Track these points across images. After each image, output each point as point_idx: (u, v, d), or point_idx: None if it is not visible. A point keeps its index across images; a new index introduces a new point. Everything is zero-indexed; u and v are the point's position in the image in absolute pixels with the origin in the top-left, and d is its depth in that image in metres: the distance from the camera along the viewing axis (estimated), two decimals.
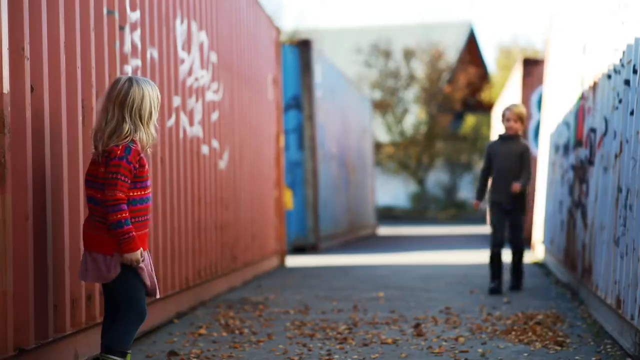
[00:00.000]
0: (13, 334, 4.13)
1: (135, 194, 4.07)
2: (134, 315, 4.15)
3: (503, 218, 8.27)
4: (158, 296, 4.28)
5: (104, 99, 4.13)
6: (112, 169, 4.00)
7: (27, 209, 4.24)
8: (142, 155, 4.10)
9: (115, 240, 4.02)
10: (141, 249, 4.08)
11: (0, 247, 4.03)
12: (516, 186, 8.07)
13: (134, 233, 4.02)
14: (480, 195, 8.48)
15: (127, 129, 4.04)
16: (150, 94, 4.12)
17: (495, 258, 8.21)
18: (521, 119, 8.21)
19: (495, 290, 8.08)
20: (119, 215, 3.98)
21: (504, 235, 8.30)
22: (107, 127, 4.05)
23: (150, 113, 4.12)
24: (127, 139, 4.04)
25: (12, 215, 4.13)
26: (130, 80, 4.11)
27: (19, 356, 4.19)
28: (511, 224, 8.29)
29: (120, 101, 4.06)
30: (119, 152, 4.01)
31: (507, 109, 8.22)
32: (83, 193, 4.87)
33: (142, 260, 4.11)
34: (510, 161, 8.19)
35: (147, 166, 4.14)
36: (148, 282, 4.16)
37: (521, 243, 8.40)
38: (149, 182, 4.19)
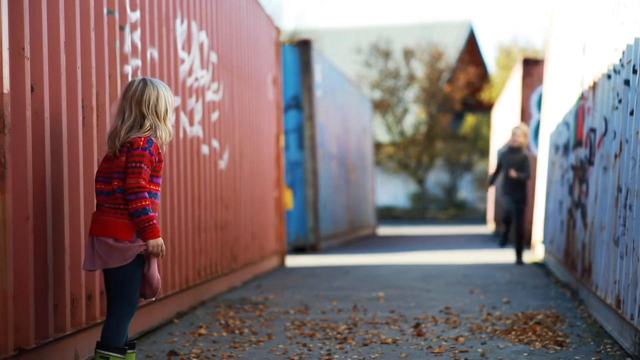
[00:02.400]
0: (13, 334, 4.13)
1: (151, 187, 4.09)
2: (128, 309, 4.11)
3: (511, 204, 11.57)
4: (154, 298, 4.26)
5: (119, 100, 4.19)
6: (135, 158, 4.02)
7: (27, 209, 4.25)
8: (160, 151, 4.14)
9: (132, 227, 4.02)
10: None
11: (0, 247, 4.03)
12: (513, 173, 11.17)
13: (156, 220, 4.04)
14: (491, 181, 12.28)
15: (148, 124, 4.09)
16: (164, 93, 4.19)
17: (506, 220, 11.98)
18: (525, 136, 11.47)
19: (502, 244, 12.15)
20: (143, 202, 4.00)
21: (512, 211, 11.62)
22: (124, 124, 4.08)
23: (166, 111, 4.18)
24: (147, 133, 4.08)
25: (12, 215, 4.13)
26: (144, 80, 4.18)
27: (19, 356, 4.19)
28: (516, 211, 11.42)
29: (137, 100, 4.11)
30: (141, 142, 4.04)
31: (517, 127, 11.49)
32: (83, 193, 4.88)
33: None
34: (513, 167, 11.25)
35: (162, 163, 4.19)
36: (156, 276, 4.14)
37: (522, 227, 11.43)
38: (161, 180, 4.21)
